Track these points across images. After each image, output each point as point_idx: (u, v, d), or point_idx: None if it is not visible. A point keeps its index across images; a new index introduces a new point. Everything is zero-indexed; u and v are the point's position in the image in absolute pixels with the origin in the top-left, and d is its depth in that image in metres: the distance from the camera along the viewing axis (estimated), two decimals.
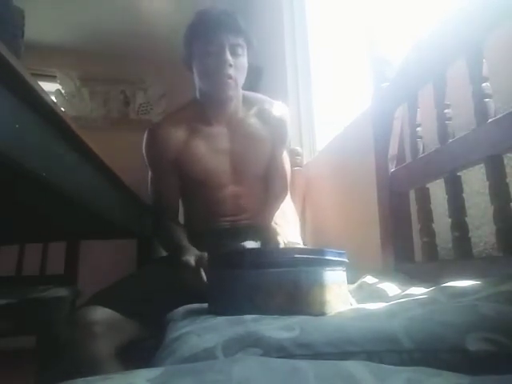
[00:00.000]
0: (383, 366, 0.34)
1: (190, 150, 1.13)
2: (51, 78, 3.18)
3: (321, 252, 0.60)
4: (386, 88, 0.97)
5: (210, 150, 1.14)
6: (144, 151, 1.16)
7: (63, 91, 3.23)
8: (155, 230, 1.21)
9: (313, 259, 0.58)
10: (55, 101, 2.95)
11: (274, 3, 2.20)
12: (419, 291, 0.62)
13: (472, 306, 0.46)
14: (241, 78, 1.11)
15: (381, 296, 0.69)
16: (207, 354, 0.40)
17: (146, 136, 1.16)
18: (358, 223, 1.30)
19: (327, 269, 0.59)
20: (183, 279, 0.90)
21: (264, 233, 1.11)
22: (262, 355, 0.39)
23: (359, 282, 0.83)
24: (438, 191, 0.83)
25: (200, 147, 1.13)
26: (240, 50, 1.08)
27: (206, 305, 0.65)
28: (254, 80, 1.77)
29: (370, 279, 0.81)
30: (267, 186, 1.22)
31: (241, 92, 1.17)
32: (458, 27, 0.71)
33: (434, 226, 0.81)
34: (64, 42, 3.13)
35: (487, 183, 0.65)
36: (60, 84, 3.23)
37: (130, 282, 1.02)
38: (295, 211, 1.29)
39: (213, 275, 0.66)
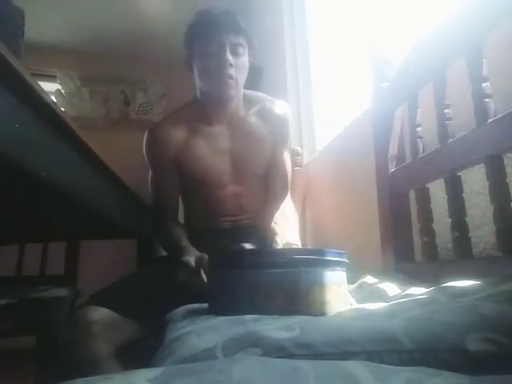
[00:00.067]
0: (383, 365, 0.34)
1: (191, 150, 1.13)
2: (51, 77, 3.18)
3: (321, 252, 0.60)
4: (386, 88, 0.97)
5: (211, 150, 1.14)
6: (144, 150, 1.16)
7: (63, 91, 3.23)
8: (155, 229, 1.21)
9: (313, 259, 0.58)
10: (55, 101, 2.95)
11: (274, 3, 2.20)
12: (419, 291, 0.62)
13: (472, 306, 0.46)
14: (242, 78, 1.11)
15: (381, 296, 0.69)
16: (207, 354, 0.40)
17: (146, 135, 1.16)
18: (357, 223, 1.30)
19: (327, 269, 0.59)
20: (183, 279, 0.90)
21: (263, 233, 1.11)
22: (261, 355, 0.39)
23: (359, 282, 0.83)
24: (438, 191, 0.83)
25: (200, 147, 1.13)
26: (241, 50, 1.07)
27: (205, 305, 0.65)
28: (254, 80, 1.77)
29: (369, 279, 0.81)
30: (268, 185, 1.22)
31: (242, 91, 1.16)
32: (458, 27, 0.71)
33: (433, 225, 0.81)
34: (64, 42, 3.13)
35: (487, 183, 0.65)
36: (60, 84, 3.23)
37: (130, 281, 1.02)
38: (295, 211, 1.28)
39: (213, 275, 0.66)
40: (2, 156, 0.58)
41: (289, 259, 0.58)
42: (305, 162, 1.76)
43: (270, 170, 1.21)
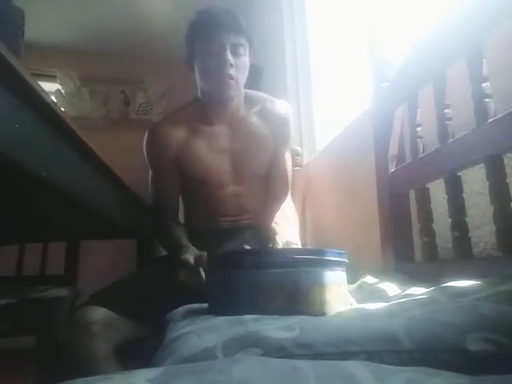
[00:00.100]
0: (383, 365, 0.34)
1: (191, 150, 1.13)
2: (51, 77, 3.18)
3: (321, 252, 0.60)
4: (386, 88, 0.97)
5: (211, 150, 1.14)
6: (144, 150, 1.16)
7: (63, 91, 3.23)
8: (155, 229, 1.21)
9: (313, 259, 0.58)
10: (55, 101, 2.95)
11: (274, 3, 2.20)
12: (419, 291, 0.62)
13: (472, 305, 0.46)
14: (242, 78, 1.10)
15: (381, 296, 0.69)
16: (207, 354, 0.40)
17: (146, 135, 1.16)
18: (358, 223, 1.30)
19: (327, 269, 0.59)
20: (183, 278, 0.90)
21: (263, 233, 1.11)
22: (261, 355, 0.39)
23: (359, 281, 0.83)
24: (438, 191, 0.83)
25: (201, 146, 1.13)
26: (241, 50, 1.07)
27: (205, 305, 0.65)
28: (255, 80, 1.77)
29: (370, 279, 0.81)
30: (268, 185, 1.22)
31: (242, 91, 1.16)
32: (458, 27, 0.71)
33: (434, 225, 0.81)
34: (64, 42, 3.13)
35: (487, 183, 0.65)
36: (60, 84, 3.23)
37: (129, 281, 1.02)
38: (295, 211, 1.28)
39: (213, 275, 0.66)
40: (2, 156, 0.58)
41: (289, 259, 0.58)
42: (305, 162, 1.76)
43: (270, 170, 1.21)
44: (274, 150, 1.20)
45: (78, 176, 0.94)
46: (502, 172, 0.63)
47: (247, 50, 1.09)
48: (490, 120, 0.64)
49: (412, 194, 0.89)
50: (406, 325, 0.42)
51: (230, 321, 0.50)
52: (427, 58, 0.80)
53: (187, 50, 1.12)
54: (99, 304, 0.88)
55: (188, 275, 0.90)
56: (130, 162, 1.93)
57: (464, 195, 0.73)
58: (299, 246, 1.10)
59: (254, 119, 1.18)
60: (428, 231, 0.81)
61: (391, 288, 0.71)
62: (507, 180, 0.63)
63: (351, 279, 0.73)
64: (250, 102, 1.19)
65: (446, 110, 0.75)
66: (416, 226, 0.86)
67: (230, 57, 1.04)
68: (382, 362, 0.38)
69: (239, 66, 1.07)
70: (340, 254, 0.62)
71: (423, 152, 0.83)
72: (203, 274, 0.88)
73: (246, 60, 1.09)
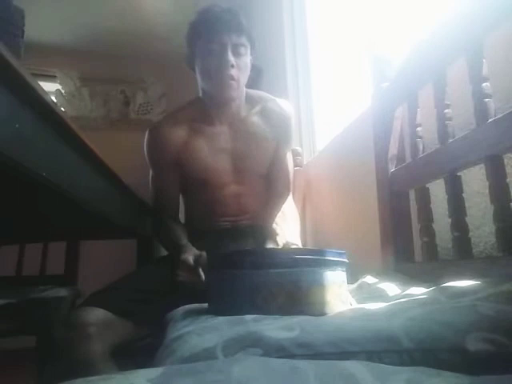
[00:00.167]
0: (383, 365, 0.34)
1: (191, 149, 1.12)
2: (51, 77, 3.18)
3: (321, 252, 0.60)
4: (386, 88, 0.97)
5: (212, 149, 1.13)
6: (145, 149, 1.16)
7: (63, 91, 3.23)
8: (155, 228, 1.20)
9: (313, 260, 0.58)
10: (55, 101, 2.96)
11: (274, 3, 2.20)
12: (419, 291, 0.63)
13: (472, 305, 0.46)
14: (243, 78, 1.09)
15: (381, 296, 0.69)
16: (207, 354, 0.40)
17: (147, 134, 1.16)
18: (358, 223, 1.30)
19: (327, 269, 0.59)
20: (182, 278, 0.90)
21: (263, 233, 1.11)
22: (262, 355, 0.39)
23: (359, 281, 0.83)
24: (438, 191, 0.83)
25: (201, 146, 1.13)
26: (243, 50, 1.06)
27: (205, 305, 0.65)
28: (255, 80, 1.77)
29: (369, 279, 0.81)
30: (269, 185, 1.21)
31: (244, 91, 1.15)
32: (458, 27, 0.71)
33: (433, 225, 0.81)
34: (64, 42, 3.13)
35: (487, 183, 0.65)
36: (60, 84, 3.23)
37: (126, 282, 1.01)
38: (296, 211, 1.28)
39: (213, 275, 0.66)
40: (2, 156, 0.58)
41: (289, 259, 0.58)
42: (305, 162, 1.76)
43: (271, 170, 1.20)
44: (276, 149, 1.19)
45: (78, 176, 0.94)
46: (501, 172, 0.63)
47: (248, 49, 1.08)
48: (489, 120, 0.64)
49: (412, 194, 0.89)
50: (405, 325, 0.42)
51: (230, 321, 0.50)
52: (427, 57, 0.81)
53: (188, 49, 1.11)
54: (96, 305, 0.88)
55: (187, 275, 0.90)
56: (129, 161, 1.93)
57: (464, 195, 0.73)
58: (299, 246, 1.10)
59: (256, 119, 1.17)
60: (428, 231, 0.81)
61: (391, 288, 0.71)
62: (507, 180, 0.63)
63: (351, 279, 0.73)
64: (251, 101, 1.18)
65: (446, 110, 0.75)
66: (416, 226, 0.86)
67: (231, 57, 1.03)
68: (381, 361, 0.38)
69: (240, 66, 1.06)
70: (340, 254, 0.62)
71: (423, 152, 0.83)
72: (202, 274, 0.88)
73: (247, 60, 1.08)
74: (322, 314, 0.56)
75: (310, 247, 1.56)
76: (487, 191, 0.65)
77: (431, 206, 0.82)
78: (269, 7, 2.31)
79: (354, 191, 1.34)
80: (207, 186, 1.14)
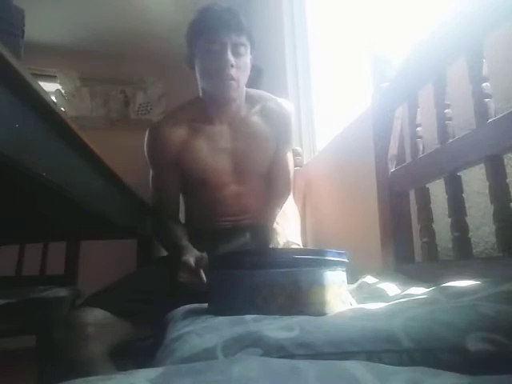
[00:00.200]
0: (383, 365, 0.34)
1: (192, 149, 1.12)
2: (51, 77, 3.18)
3: (321, 252, 0.60)
4: (386, 88, 0.97)
5: (212, 149, 1.13)
6: (145, 149, 1.16)
7: (63, 91, 3.23)
8: (155, 228, 1.20)
9: (313, 259, 0.58)
10: (55, 101, 2.96)
11: (274, 3, 2.20)
12: (419, 291, 0.62)
13: (472, 305, 0.46)
14: (243, 78, 1.09)
15: (381, 296, 0.69)
16: (207, 354, 0.40)
17: (147, 134, 1.15)
18: (358, 223, 1.30)
19: (327, 269, 0.59)
20: (183, 280, 0.90)
21: (264, 233, 1.11)
22: (262, 355, 0.39)
23: (359, 281, 0.83)
24: (438, 191, 0.83)
25: (201, 146, 1.13)
26: (243, 50, 1.05)
27: (205, 305, 0.65)
28: (255, 80, 1.77)
29: (369, 279, 0.81)
30: (270, 185, 1.20)
31: (244, 91, 1.15)
32: (458, 27, 0.71)
33: (433, 225, 0.81)
34: (64, 42, 3.13)
35: (487, 183, 0.65)
36: (60, 84, 3.23)
37: (125, 283, 1.01)
38: (297, 211, 1.28)
39: (213, 275, 0.66)
40: (2, 156, 0.58)
41: (289, 259, 0.58)
42: (305, 162, 1.76)
43: (272, 170, 1.20)
44: (276, 149, 1.19)
45: (78, 176, 0.94)
46: (501, 172, 0.63)
47: (248, 49, 1.08)
48: (489, 120, 0.64)
49: (412, 194, 0.89)
50: (405, 325, 0.42)
51: (231, 321, 0.50)
52: (427, 57, 0.81)
53: (188, 49, 1.11)
54: (95, 305, 0.88)
55: (188, 277, 0.90)
56: (129, 161, 1.93)
57: (464, 195, 0.73)
58: (300, 246, 1.10)
59: (256, 118, 1.17)
60: (428, 231, 0.81)
61: (391, 288, 0.71)
62: (507, 180, 0.63)
63: (351, 279, 0.73)
64: (251, 101, 1.18)
65: (446, 110, 0.75)
66: (416, 226, 0.86)
67: (231, 57, 1.03)
68: (381, 361, 0.38)
69: (240, 66, 1.06)
70: (340, 254, 0.62)
71: (423, 152, 0.83)
72: (204, 276, 0.88)
73: (247, 60, 1.08)
74: (322, 314, 0.56)
75: (310, 247, 1.56)
76: (487, 191, 0.65)
77: (431, 206, 0.82)
78: (268, 7, 2.31)
79: (354, 191, 1.34)
80: (207, 186, 1.14)
